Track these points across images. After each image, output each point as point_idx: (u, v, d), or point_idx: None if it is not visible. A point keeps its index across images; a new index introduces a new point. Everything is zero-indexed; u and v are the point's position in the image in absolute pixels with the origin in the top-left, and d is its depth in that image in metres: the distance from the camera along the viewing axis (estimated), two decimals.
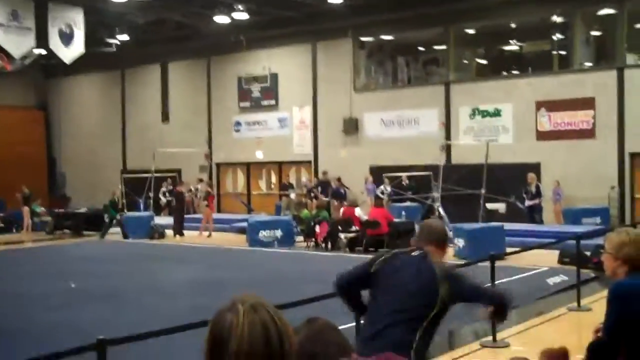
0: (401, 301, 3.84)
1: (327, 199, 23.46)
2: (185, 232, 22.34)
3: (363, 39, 26.56)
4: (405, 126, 24.69)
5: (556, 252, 14.31)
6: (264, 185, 29.20)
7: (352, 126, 25.72)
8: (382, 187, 22.91)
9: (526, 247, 13.16)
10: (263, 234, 18.92)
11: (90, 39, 25.18)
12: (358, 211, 17.73)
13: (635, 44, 21.18)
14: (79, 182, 33.80)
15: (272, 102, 27.99)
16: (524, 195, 20.43)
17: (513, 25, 24.21)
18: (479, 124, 23.17)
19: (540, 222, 20.11)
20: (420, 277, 3.91)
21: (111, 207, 21.87)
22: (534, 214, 20.21)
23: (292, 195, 25.22)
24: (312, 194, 24.37)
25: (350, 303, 4.23)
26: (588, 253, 13.26)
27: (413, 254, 4.05)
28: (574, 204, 20.53)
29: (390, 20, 24.70)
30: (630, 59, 20.95)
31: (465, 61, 26.46)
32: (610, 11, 21.47)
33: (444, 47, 24.94)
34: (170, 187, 25.72)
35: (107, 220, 22.13)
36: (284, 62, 27.78)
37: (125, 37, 28.30)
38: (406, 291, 3.87)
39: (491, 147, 20.12)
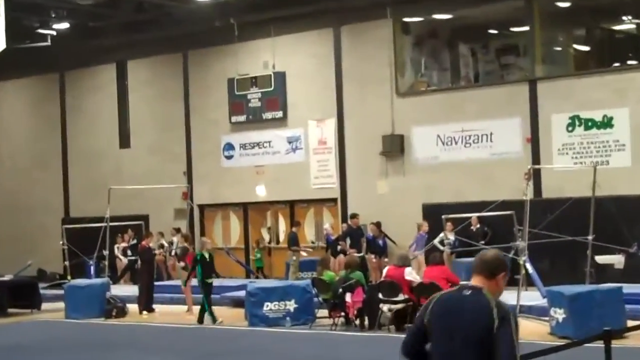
0: (459, 348, 4.98)
1: (359, 254, 23.44)
2: (156, 306, 22.37)
3: (408, 19, 26.79)
4: (473, 145, 24.76)
5: None
6: (269, 236, 29.30)
7: (395, 147, 25.86)
8: (441, 234, 22.86)
9: None
10: (269, 307, 18.92)
11: (15, 30, 25.62)
12: (409, 272, 17.71)
13: None
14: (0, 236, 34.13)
15: (279, 114, 28.19)
16: None
17: None
18: (582, 139, 23.18)
19: None
20: (474, 318, 5.05)
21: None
22: None
23: (303, 253, 25.33)
24: (339, 248, 24.39)
25: None
26: None
27: (464, 292, 5.17)
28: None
29: None
30: None
31: (558, 48, 26.55)
32: None
33: (526, 28, 25.07)
34: (134, 242, 25.86)
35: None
36: (295, 57, 28.03)
37: (64, 26, 28.76)
38: (462, 336, 5.02)
39: (601, 172, 20.05)
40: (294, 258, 25.31)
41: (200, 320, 19.73)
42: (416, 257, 22.43)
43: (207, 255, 20.13)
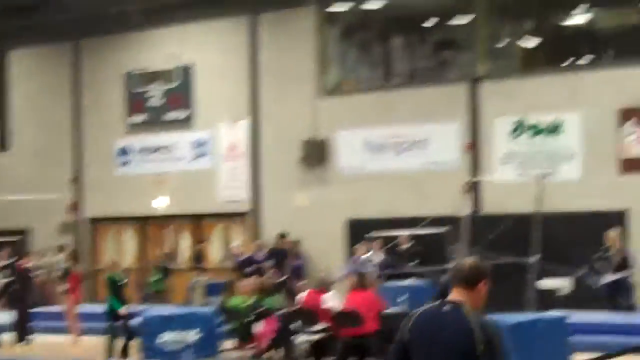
0: None
1: (282, 277, 23.43)
2: (36, 335, 22.07)
3: (334, 8, 26.87)
4: (406, 153, 24.92)
5: None
6: (172, 255, 29.09)
7: (316, 153, 25.95)
8: (367, 255, 22.94)
9: (608, 354, 13.22)
10: (167, 338, 18.75)
11: None
12: (329, 298, 17.71)
13: None
14: None
15: (184, 114, 28.16)
16: (601, 265, 20.53)
17: None
18: (527, 146, 23.48)
19: (629, 308, 20.24)
20: (453, 339, 5.37)
21: None
22: (617, 296, 20.32)
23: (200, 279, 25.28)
24: (250, 269, 24.37)
25: None
26: None
27: (444, 308, 5.49)
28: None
29: None
30: None
31: (503, 44, 26.82)
32: None
33: (467, 20, 25.34)
34: (10, 261, 25.44)
35: None
36: (204, 48, 28.00)
37: None
38: (444, 355, 5.37)
39: (548, 185, 20.33)
40: (199, 279, 25.19)
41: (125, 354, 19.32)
42: (341, 281, 22.43)
43: (118, 279, 19.75)
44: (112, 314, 19.12)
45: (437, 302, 5.56)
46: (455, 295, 5.55)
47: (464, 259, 5.85)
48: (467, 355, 5.31)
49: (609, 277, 20.44)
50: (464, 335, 5.34)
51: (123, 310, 19.05)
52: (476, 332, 5.32)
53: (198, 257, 25.69)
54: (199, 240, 27.00)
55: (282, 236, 25.19)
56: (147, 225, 29.40)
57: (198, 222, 28.60)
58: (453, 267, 5.78)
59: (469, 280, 5.56)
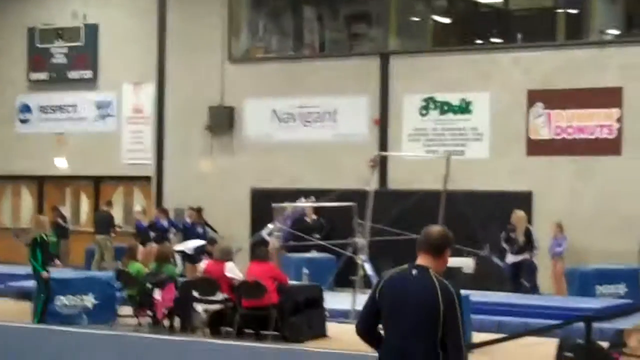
0: (409, 326, 6.17)
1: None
2: None
3: None
4: (313, 124, 24.88)
5: (555, 341, 14.56)
6: (70, 216, 28.65)
7: (223, 121, 25.78)
8: (270, 225, 22.84)
9: (509, 335, 13.25)
10: (63, 302, 18.47)
11: None
12: (230, 267, 17.57)
13: None
14: None
15: (88, 73, 27.75)
16: (505, 246, 20.75)
17: None
18: (436, 124, 23.59)
19: (532, 289, 20.49)
20: (421, 299, 6.15)
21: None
22: (520, 277, 20.56)
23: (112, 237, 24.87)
24: (153, 235, 24.13)
25: (374, 343, 6.51)
26: (605, 344, 13.54)
27: (412, 272, 6.26)
28: (584, 261, 21.05)
29: None
30: None
31: (416, 19, 26.89)
32: None
33: None
34: None
35: None
36: (110, 8, 27.59)
37: None
38: (411, 315, 6.16)
39: (455, 163, 20.41)
40: (108, 244, 24.96)
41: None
42: (240, 250, 22.33)
43: (46, 238, 19.12)
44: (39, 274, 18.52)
45: (405, 266, 6.33)
46: (421, 260, 6.31)
47: (430, 227, 6.47)
48: (433, 312, 6.09)
49: (513, 258, 20.68)
50: (430, 295, 6.12)
51: (45, 274, 18.53)
52: (440, 293, 6.10)
53: (106, 219, 25.35)
54: (106, 202, 26.55)
55: (197, 210, 24.95)
56: (46, 185, 28.98)
57: (98, 185, 28.26)
58: (422, 233, 6.43)
59: (436, 247, 6.33)
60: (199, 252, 22.44)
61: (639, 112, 21.59)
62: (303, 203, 21.56)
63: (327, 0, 27.37)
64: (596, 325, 12.35)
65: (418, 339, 6.15)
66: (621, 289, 19.89)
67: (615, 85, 21.83)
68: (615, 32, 23.35)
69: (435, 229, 6.47)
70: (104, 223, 25.42)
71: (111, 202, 26.50)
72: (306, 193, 22.94)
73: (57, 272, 19.89)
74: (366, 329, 6.50)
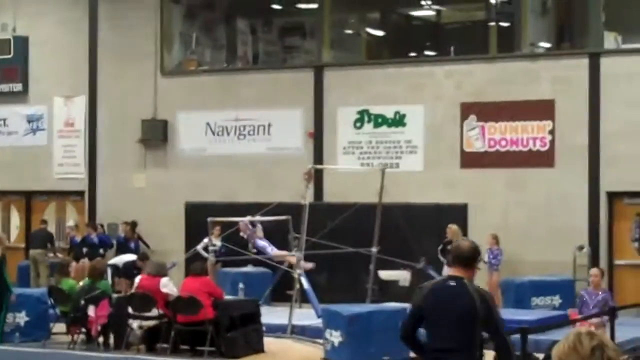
0: (451, 328, 7.16)
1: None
2: None
3: None
4: (248, 137, 24.84)
5: (491, 354, 14.64)
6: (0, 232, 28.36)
7: (156, 134, 25.64)
8: (206, 240, 22.72)
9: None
10: None
11: None
12: (165, 283, 17.46)
13: (617, 16, 22.42)
14: None
15: (17, 86, 27.45)
16: (442, 258, 20.85)
17: None
18: (370, 137, 23.65)
19: None
20: (460, 304, 7.14)
21: None
22: None
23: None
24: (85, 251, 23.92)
25: (415, 346, 7.56)
26: (540, 356, 13.66)
27: (450, 282, 7.30)
28: (519, 272, 21.23)
29: None
30: (610, 39, 22.14)
31: (349, 31, 27.01)
32: None
33: (314, 5, 25.36)
34: None
35: None
36: (41, 20, 27.31)
37: None
38: (452, 319, 7.14)
39: (389, 176, 20.50)
40: (44, 259, 25.02)
41: None
42: (175, 265, 22.21)
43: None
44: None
45: (443, 278, 7.74)
46: (456, 272, 7.32)
47: (461, 240, 7.94)
48: (471, 318, 7.11)
49: (449, 271, 20.79)
50: (467, 303, 7.11)
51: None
52: (476, 300, 7.12)
53: (45, 237, 25.17)
54: (42, 220, 26.36)
55: (133, 224, 24.82)
56: None
57: (29, 200, 27.97)
58: (453, 249, 7.58)
59: (467, 261, 7.31)
60: (130, 267, 22.29)
61: (571, 124, 21.85)
62: (238, 218, 21.45)
63: (261, 12, 27.40)
64: (532, 337, 12.44)
65: (460, 340, 7.16)
66: (556, 300, 20.09)
67: (547, 98, 22.07)
68: (547, 44, 23.64)
69: (465, 244, 7.51)
70: (40, 239, 25.15)
71: (46, 221, 26.33)
72: (241, 207, 22.87)
73: None
74: (409, 335, 7.48)
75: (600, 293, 15.97)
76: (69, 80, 27.00)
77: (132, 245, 24.55)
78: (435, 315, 7.21)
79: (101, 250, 24.30)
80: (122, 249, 24.46)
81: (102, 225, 25.62)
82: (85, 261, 23.32)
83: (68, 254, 24.53)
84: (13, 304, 18.19)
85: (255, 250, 21.08)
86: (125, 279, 22.28)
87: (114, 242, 25.12)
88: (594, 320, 15.28)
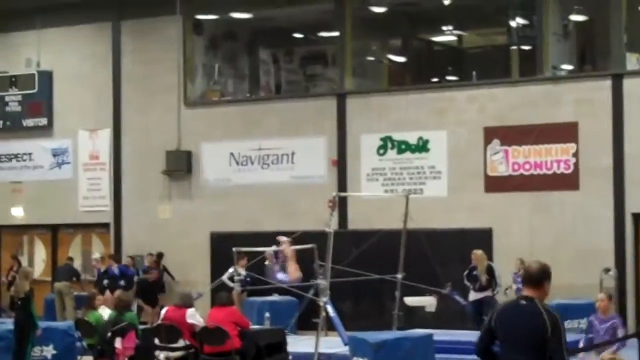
0: (520, 347, 7.46)
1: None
2: None
3: (201, 17, 26.70)
4: (272, 166, 24.86)
5: None
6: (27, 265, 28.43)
7: (181, 165, 25.71)
8: (231, 270, 22.71)
9: None
10: None
11: None
12: (191, 314, 17.44)
13: (638, 37, 22.37)
14: None
15: (43, 121, 27.59)
16: (468, 283, 20.79)
17: (447, 2, 25.04)
18: (394, 163, 23.63)
19: None
20: (530, 324, 7.42)
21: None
22: (483, 314, 20.55)
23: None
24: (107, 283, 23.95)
25: None
26: None
27: (521, 302, 7.57)
28: (547, 297, 21.12)
29: None
30: (632, 61, 22.08)
31: (371, 59, 27.05)
32: None
33: (335, 34, 25.39)
34: None
35: None
36: (65, 54, 27.48)
37: None
38: (522, 338, 7.45)
39: (414, 202, 20.45)
40: (70, 291, 24.94)
41: None
42: (201, 296, 22.20)
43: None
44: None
45: (515, 298, 7.76)
46: (527, 292, 7.58)
47: (532, 261, 7.88)
48: (541, 334, 7.38)
49: (475, 295, 20.71)
50: (538, 320, 7.40)
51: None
52: (547, 317, 7.38)
53: (70, 270, 25.24)
54: (58, 251, 26.46)
55: (159, 256, 24.94)
56: (1, 234, 28.67)
57: (55, 233, 28.03)
58: (525, 269, 7.83)
59: (537, 282, 7.57)
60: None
61: (595, 146, 21.76)
62: (263, 248, 21.44)
63: (283, 42, 27.50)
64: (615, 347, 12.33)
65: (529, 356, 7.45)
66: (584, 323, 19.89)
67: (570, 120, 22.00)
68: (569, 67, 23.58)
69: (534, 266, 7.75)
70: (65, 273, 25.20)
71: (72, 258, 26.38)
72: (266, 236, 22.87)
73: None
74: (484, 350, 7.88)
75: (609, 319, 15.50)
76: (93, 114, 27.12)
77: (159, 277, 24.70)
78: (506, 333, 7.63)
79: (122, 282, 24.26)
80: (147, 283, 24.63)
81: (131, 257, 25.63)
82: (107, 293, 23.33)
83: (95, 287, 24.58)
84: (38, 338, 18.20)
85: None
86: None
87: (138, 272, 25.12)
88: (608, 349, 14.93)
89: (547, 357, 7.50)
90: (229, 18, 26.91)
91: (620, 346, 14.87)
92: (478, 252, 20.92)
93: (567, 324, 19.79)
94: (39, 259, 28.55)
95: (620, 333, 15.07)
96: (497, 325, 7.68)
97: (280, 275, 20.47)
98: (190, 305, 17.79)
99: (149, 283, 24.62)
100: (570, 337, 18.11)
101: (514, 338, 7.56)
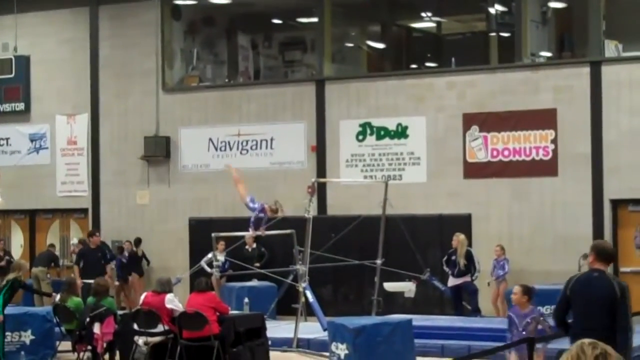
0: (593, 311, 9.01)
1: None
2: None
3: (179, 1, 26.70)
4: (251, 152, 24.90)
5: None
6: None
7: (159, 150, 25.69)
8: (209, 255, 22.73)
9: (454, 359, 13.31)
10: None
11: None
12: (170, 299, 17.44)
13: (617, 24, 22.48)
14: None
15: (20, 106, 27.52)
16: (447, 269, 20.90)
17: None
18: (373, 149, 23.71)
19: (474, 312, 20.61)
20: (602, 291, 9.01)
21: None
22: (462, 300, 20.69)
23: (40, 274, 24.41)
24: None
25: (564, 327, 9.55)
26: None
27: (594, 274, 9.23)
28: (525, 281, 21.16)
29: None
30: (611, 48, 22.19)
31: (350, 45, 27.09)
32: None
33: (314, 19, 25.43)
34: None
35: None
36: (42, 39, 27.35)
37: None
38: (595, 303, 9.05)
39: (393, 188, 20.54)
40: (46, 276, 24.58)
41: None
42: (179, 281, 22.21)
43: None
44: None
45: (587, 270, 9.42)
46: (598, 265, 9.16)
47: (601, 241, 10.39)
48: (611, 301, 8.93)
49: (454, 281, 20.83)
50: (610, 289, 8.99)
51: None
52: (616, 286, 9.03)
53: (46, 257, 25.11)
54: (36, 236, 26.36)
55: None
56: None
57: (33, 218, 28.01)
58: (597, 246, 9.52)
59: (609, 256, 9.52)
60: None
61: (573, 133, 21.88)
62: (242, 233, 21.44)
63: (261, 27, 27.49)
64: (539, 346, 12.40)
65: (600, 321, 8.73)
66: None
67: (549, 107, 22.11)
68: (548, 54, 23.69)
69: (608, 244, 9.95)
70: (44, 259, 25.07)
71: (53, 245, 26.27)
72: (245, 222, 22.91)
73: None
74: (561, 318, 9.30)
75: (527, 314, 13.34)
76: (71, 99, 27.07)
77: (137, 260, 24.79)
78: (579, 301, 8.92)
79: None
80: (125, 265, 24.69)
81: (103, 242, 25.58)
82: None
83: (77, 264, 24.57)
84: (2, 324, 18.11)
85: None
86: None
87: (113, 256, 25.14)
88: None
89: (618, 323, 8.86)
90: (208, 3, 26.88)
91: (545, 346, 13.34)
92: (461, 236, 21.03)
93: (546, 309, 19.92)
94: (16, 245, 28.48)
95: (539, 328, 12.98)
96: (571, 294, 9.05)
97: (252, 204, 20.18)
98: (170, 291, 17.80)
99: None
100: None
101: (588, 304, 8.92)
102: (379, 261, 19.69)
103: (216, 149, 25.27)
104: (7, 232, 28.59)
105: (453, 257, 20.87)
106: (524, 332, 13.00)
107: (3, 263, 25.45)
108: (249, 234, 21.09)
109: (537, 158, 22.20)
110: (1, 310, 18.05)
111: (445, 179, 22.90)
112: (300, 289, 19.06)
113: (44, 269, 24.77)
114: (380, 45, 27.37)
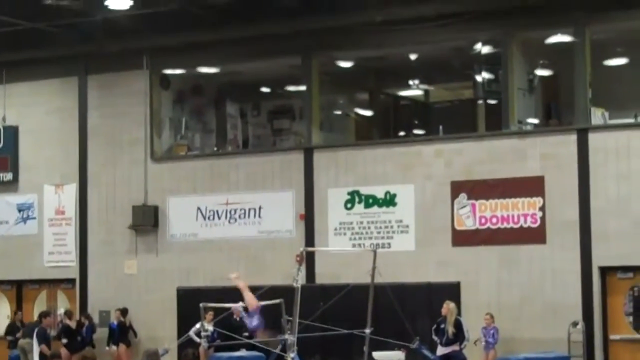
0: None
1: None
2: None
3: (168, 71, 26.85)
4: (239, 221, 24.91)
5: None
6: None
7: (147, 220, 25.70)
8: (197, 325, 22.63)
9: None
10: None
11: None
12: None
13: (603, 92, 22.67)
14: None
15: (8, 176, 27.59)
16: (435, 338, 20.82)
17: (414, 57, 25.30)
18: (361, 217, 23.74)
19: None
20: None
21: None
22: None
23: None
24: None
25: None
26: None
27: None
28: (513, 350, 21.14)
29: (213, 43, 25.08)
30: (597, 115, 22.34)
31: (338, 112, 27.24)
32: (565, 39, 22.93)
33: (302, 88, 25.57)
34: None
35: None
36: (30, 109, 27.50)
37: None
38: None
39: (381, 256, 20.47)
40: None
41: None
42: (167, 352, 22.08)
43: None
44: None
45: None
46: None
47: None
48: None
49: (443, 350, 20.73)
50: None
51: None
52: None
53: (42, 334, 24.92)
54: (43, 313, 25.99)
55: (124, 312, 24.84)
56: None
57: (20, 289, 27.88)
58: None
59: None
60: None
61: (561, 200, 21.93)
62: (230, 304, 21.34)
63: (250, 96, 27.63)
64: None
65: None
66: None
67: (537, 174, 22.19)
68: (535, 121, 23.84)
69: None
70: (32, 331, 24.85)
71: (48, 313, 25.91)
72: (234, 291, 22.81)
73: None
74: None
75: None
76: (59, 168, 27.10)
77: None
78: None
79: (78, 338, 24.22)
80: (116, 335, 24.61)
81: (86, 316, 25.48)
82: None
83: (58, 339, 24.42)
84: None
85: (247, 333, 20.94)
86: None
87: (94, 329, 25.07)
88: None
89: None
90: (196, 72, 27.00)
91: None
92: (451, 304, 21.03)
93: None
94: (2, 316, 28.29)
95: None
96: None
97: (254, 322, 20.33)
98: None
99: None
100: None
101: None
102: (367, 330, 19.55)
103: (204, 218, 25.27)
104: None
105: (442, 326, 20.83)
106: None
107: None
108: (237, 305, 21.02)
109: (525, 225, 22.24)
110: None
111: (433, 247, 22.91)
112: (289, 359, 18.95)
113: (30, 341, 24.60)
114: (368, 113, 27.54)
